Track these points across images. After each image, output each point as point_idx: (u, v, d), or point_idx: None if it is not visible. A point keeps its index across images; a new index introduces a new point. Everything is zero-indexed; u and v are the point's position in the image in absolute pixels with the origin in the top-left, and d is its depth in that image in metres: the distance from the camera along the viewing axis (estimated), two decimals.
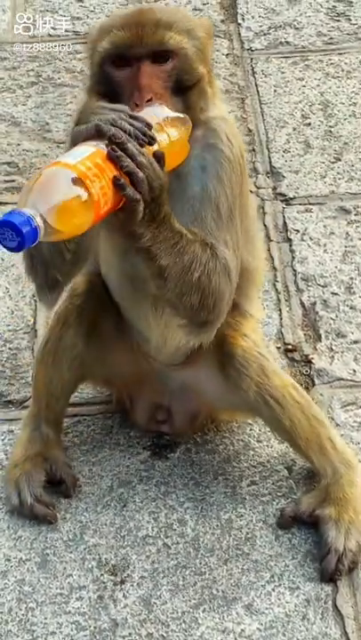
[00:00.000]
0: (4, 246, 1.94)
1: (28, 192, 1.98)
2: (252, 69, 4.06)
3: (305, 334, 3.10)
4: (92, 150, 2.04)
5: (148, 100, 2.22)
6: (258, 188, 3.55)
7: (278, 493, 2.68)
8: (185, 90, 2.30)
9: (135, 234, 2.16)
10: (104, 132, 2.07)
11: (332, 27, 4.25)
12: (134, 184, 2.07)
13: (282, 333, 3.09)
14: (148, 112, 2.18)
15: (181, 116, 2.25)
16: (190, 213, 2.34)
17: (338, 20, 4.28)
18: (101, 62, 2.29)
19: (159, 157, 2.13)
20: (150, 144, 2.12)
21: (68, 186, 1.97)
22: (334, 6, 4.35)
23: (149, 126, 2.13)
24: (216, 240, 2.34)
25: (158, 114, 2.20)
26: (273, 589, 2.48)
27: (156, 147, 2.13)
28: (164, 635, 2.40)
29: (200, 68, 2.32)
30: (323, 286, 3.23)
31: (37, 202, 1.94)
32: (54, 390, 2.69)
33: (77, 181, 1.97)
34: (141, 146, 2.10)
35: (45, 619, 2.44)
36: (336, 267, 3.28)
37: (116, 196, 2.05)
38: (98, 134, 2.08)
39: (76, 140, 2.12)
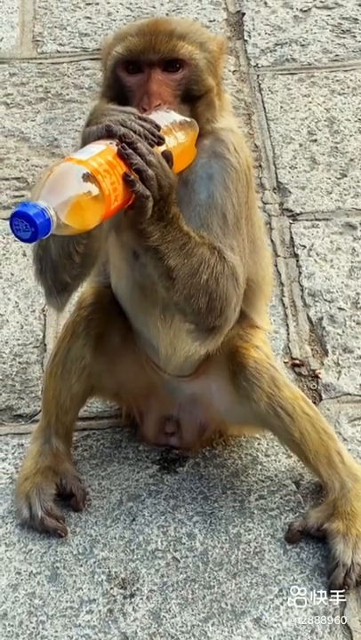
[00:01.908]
0: (18, 237, 1.97)
1: (41, 186, 2.01)
2: (259, 86, 4.10)
3: (312, 349, 3.12)
4: (102, 148, 2.08)
5: (157, 106, 2.27)
6: (265, 203, 3.58)
7: (286, 508, 2.70)
8: (193, 100, 2.35)
9: (144, 232, 2.19)
10: (114, 131, 2.12)
11: (338, 44, 4.29)
12: (144, 181, 2.11)
13: (289, 348, 3.12)
14: (157, 115, 2.24)
15: (189, 120, 2.30)
16: (197, 220, 2.37)
17: (343, 37, 4.32)
18: (114, 67, 2.35)
19: (168, 157, 2.17)
20: (159, 144, 2.17)
21: (79, 181, 2.00)
22: (340, 23, 4.39)
23: (158, 127, 2.18)
24: (223, 245, 2.36)
25: (167, 117, 2.24)
26: (281, 603, 2.50)
27: (164, 147, 2.18)
28: None
29: (209, 80, 2.37)
30: (329, 302, 3.25)
31: (50, 196, 1.98)
32: (63, 402, 2.72)
33: (89, 177, 2.01)
34: (151, 146, 2.14)
35: (56, 632, 2.45)
36: (343, 282, 3.31)
37: (126, 193, 2.09)
38: (108, 134, 2.12)
39: (86, 140, 2.16)
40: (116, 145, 2.10)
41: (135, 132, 2.12)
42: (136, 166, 2.09)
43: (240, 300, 2.44)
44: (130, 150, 2.09)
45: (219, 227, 2.37)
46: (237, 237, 2.40)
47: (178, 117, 2.26)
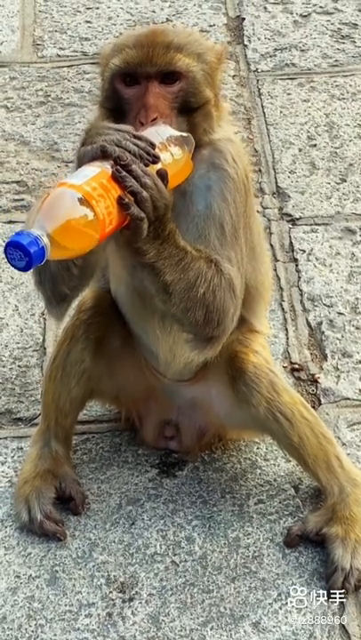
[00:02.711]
0: (13, 266, 2.00)
1: (36, 212, 2.03)
2: (259, 91, 4.11)
3: (311, 354, 3.13)
4: (97, 171, 2.10)
5: (153, 120, 2.28)
6: (264, 208, 3.59)
7: (285, 512, 2.70)
8: (190, 111, 2.36)
9: (140, 250, 2.20)
10: (109, 152, 2.12)
11: (338, 49, 4.31)
12: (139, 203, 2.12)
13: (288, 353, 3.12)
14: (151, 131, 2.24)
15: (185, 135, 2.30)
16: (195, 231, 2.38)
17: (343, 43, 4.33)
18: (112, 79, 2.35)
19: (163, 176, 2.18)
20: (154, 162, 2.17)
21: (74, 206, 2.02)
22: (340, 29, 4.40)
23: (153, 145, 2.18)
24: (220, 257, 2.37)
25: (162, 133, 2.25)
26: (280, 607, 2.50)
27: (159, 165, 2.18)
28: None
29: (207, 92, 2.37)
30: (329, 306, 3.26)
31: (45, 222, 2.00)
32: (63, 406, 2.72)
33: (83, 201, 2.03)
34: (146, 165, 2.15)
35: (55, 635, 2.46)
36: (342, 287, 3.32)
37: (121, 215, 2.10)
38: (103, 155, 2.13)
39: (82, 161, 2.17)
40: (111, 167, 2.11)
41: (130, 152, 2.13)
42: (130, 189, 2.10)
43: (238, 309, 2.46)
44: (124, 173, 2.10)
45: (216, 238, 2.38)
46: (235, 248, 2.41)
47: (174, 132, 2.27)
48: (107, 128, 2.21)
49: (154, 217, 2.16)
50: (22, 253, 1.96)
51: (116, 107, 2.35)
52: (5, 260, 2.00)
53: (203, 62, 2.37)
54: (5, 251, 1.98)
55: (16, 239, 1.96)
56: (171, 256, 2.24)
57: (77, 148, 2.23)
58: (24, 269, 1.99)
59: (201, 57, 2.37)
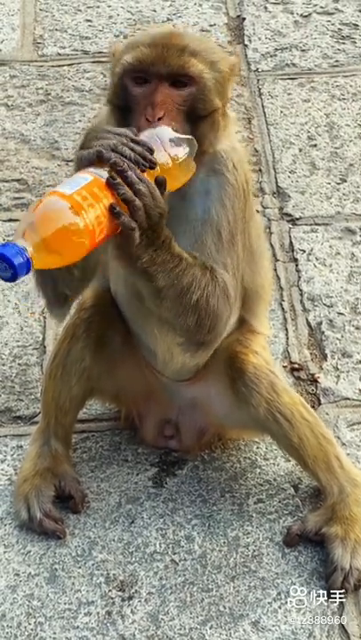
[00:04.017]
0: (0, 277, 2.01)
1: (26, 221, 2.04)
2: (259, 90, 4.11)
3: (311, 354, 3.13)
4: (89, 179, 2.10)
5: (160, 118, 2.26)
6: (264, 208, 3.59)
7: (285, 511, 2.70)
8: (197, 119, 2.33)
9: (133, 256, 2.20)
10: (105, 158, 2.12)
11: (338, 49, 4.31)
12: (131, 212, 2.11)
13: (288, 352, 3.13)
14: (152, 134, 2.22)
15: (188, 137, 2.28)
16: (191, 235, 2.38)
17: (343, 43, 4.33)
18: (122, 75, 2.33)
19: (160, 183, 2.17)
20: (152, 168, 2.16)
21: (63, 215, 2.03)
22: (340, 29, 4.40)
23: (151, 150, 2.17)
24: (216, 263, 2.38)
25: (163, 135, 2.23)
26: (280, 607, 2.50)
27: (158, 170, 2.17)
28: None
29: (216, 101, 2.35)
30: (329, 306, 3.26)
31: (34, 231, 2.01)
32: (63, 404, 2.72)
33: (73, 211, 2.03)
34: (143, 171, 2.14)
35: (54, 633, 2.46)
36: (342, 287, 3.32)
37: (113, 224, 2.11)
38: (99, 160, 2.13)
39: (79, 164, 2.17)
40: (107, 172, 2.10)
41: (126, 158, 2.12)
42: (123, 196, 2.10)
43: (232, 314, 2.47)
44: (118, 180, 2.10)
45: (213, 243, 2.39)
46: (231, 254, 2.42)
47: (175, 134, 2.25)
48: (105, 132, 2.20)
49: (147, 225, 2.15)
50: (7, 265, 1.98)
51: (124, 104, 2.33)
52: None
53: (215, 71, 2.35)
54: None
55: (1, 251, 1.98)
56: (164, 262, 2.24)
57: (77, 151, 2.23)
58: (10, 280, 2.01)
59: (214, 65, 2.35)
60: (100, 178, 2.10)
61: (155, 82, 2.30)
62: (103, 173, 2.11)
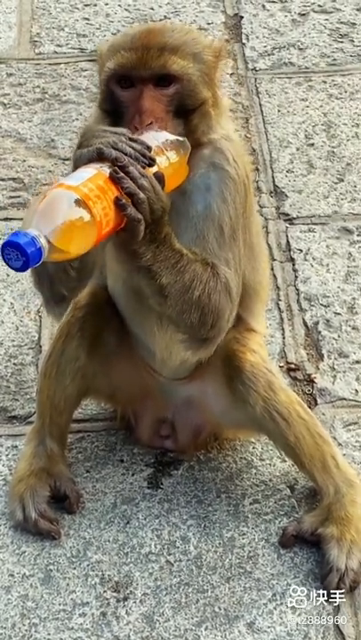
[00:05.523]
0: (10, 266, 2.00)
1: (33, 214, 2.03)
2: (256, 89, 4.10)
3: (307, 354, 3.12)
4: (93, 172, 2.09)
5: (149, 125, 2.26)
6: (261, 207, 3.58)
7: (281, 512, 2.70)
8: (187, 113, 2.33)
9: (136, 253, 2.20)
10: (106, 155, 2.12)
11: (336, 48, 4.30)
12: (135, 205, 2.11)
13: (284, 352, 3.12)
14: (148, 135, 2.23)
15: (180, 139, 2.29)
16: (193, 231, 2.38)
17: (341, 42, 4.32)
18: (108, 81, 2.34)
19: (159, 178, 2.17)
20: (150, 165, 2.16)
21: (70, 207, 2.01)
22: (338, 28, 4.39)
23: (149, 148, 2.18)
24: (217, 259, 2.37)
25: (158, 137, 2.24)
26: (275, 608, 2.49)
27: (155, 168, 2.18)
28: None
29: (204, 92, 2.35)
30: (325, 306, 3.25)
31: (41, 223, 2.00)
32: (58, 403, 2.71)
33: (80, 203, 2.02)
34: (142, 168, 2.14)
35: (48, 634, 2.45)
36: (339, 287, 3.31)
37: (118, 217, 2.10)
38: (100, 157, 2.13)
39: (78, 163, 2.16)
40: (108, 168, 2.10)
41: (126, 155, 2.13)
42: (128, 190, 2.10)
43: (234, 311, 2.46)
44: (122, 174, 2.10)
45: (215, 239, 2.38)
46: (233, 249, 2.41)
47: (169, 136, 2.26)
48: (102, 131, 2.21)
49: (150, 219, 2.15)
50: (19, 253, 1.96)
51: (113, 109, 2.34)
52: (1, 258, 1.99)
53: (199, 62, 2.34)
54: (2, 250, 1.98)
55: (13, 239, 1.96)
56: (167, 259, 2.23)
57: (74, 151, 2.22)
58: (20, 269, 1.99)
59: (197, 57, 2.34)
60: (103, 172, 2.10)
61: (139, 85, 2.29)
62: (105, 168, 2.11)
